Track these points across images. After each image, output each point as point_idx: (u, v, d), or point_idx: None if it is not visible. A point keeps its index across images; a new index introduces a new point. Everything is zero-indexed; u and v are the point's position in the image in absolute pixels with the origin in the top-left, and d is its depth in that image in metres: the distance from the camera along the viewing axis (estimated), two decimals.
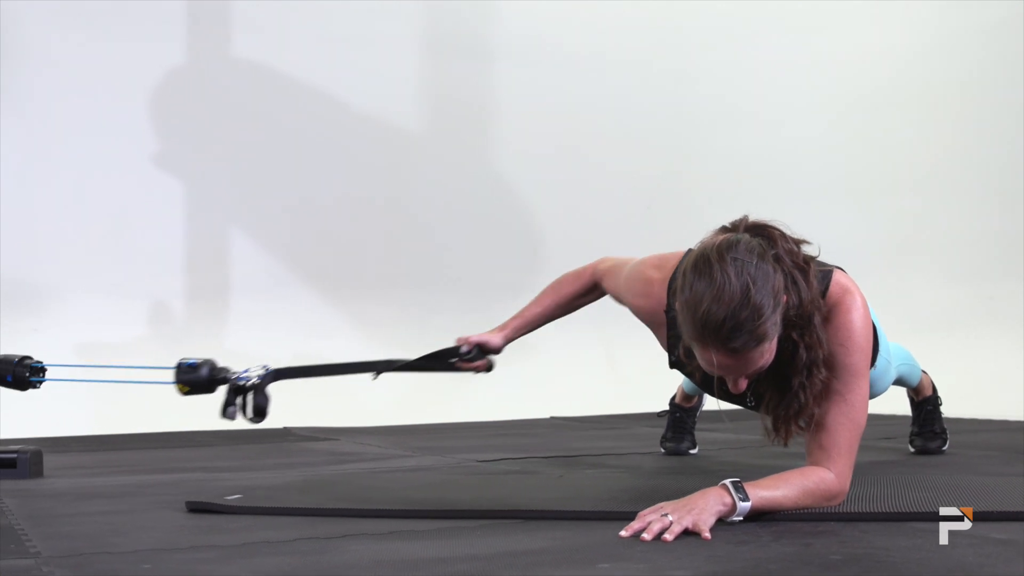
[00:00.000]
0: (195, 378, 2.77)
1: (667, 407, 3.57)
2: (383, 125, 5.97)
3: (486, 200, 6.18)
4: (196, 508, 2.40)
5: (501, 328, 2.77)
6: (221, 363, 2.79)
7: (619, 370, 5.89)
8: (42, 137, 5.32)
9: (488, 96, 6.24)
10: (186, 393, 2.80)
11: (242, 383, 2.73)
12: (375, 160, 5.98)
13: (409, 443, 4.15)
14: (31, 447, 3.23)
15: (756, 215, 2.16)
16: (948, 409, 3.45)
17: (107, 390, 4.82)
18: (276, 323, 5.51)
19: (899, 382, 3.14)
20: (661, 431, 3.58)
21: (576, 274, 2.72)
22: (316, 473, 3.20)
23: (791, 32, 6.63)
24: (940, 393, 3.39)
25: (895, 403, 3.54)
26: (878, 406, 3.11)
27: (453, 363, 2.79)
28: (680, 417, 3.52)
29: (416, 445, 4.06)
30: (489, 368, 2.83)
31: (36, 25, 5.27)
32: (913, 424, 3.41)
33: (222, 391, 2.75)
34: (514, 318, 2.77)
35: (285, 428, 4.85)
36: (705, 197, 6.12)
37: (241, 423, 4.83)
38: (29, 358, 2.95)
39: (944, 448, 3.37)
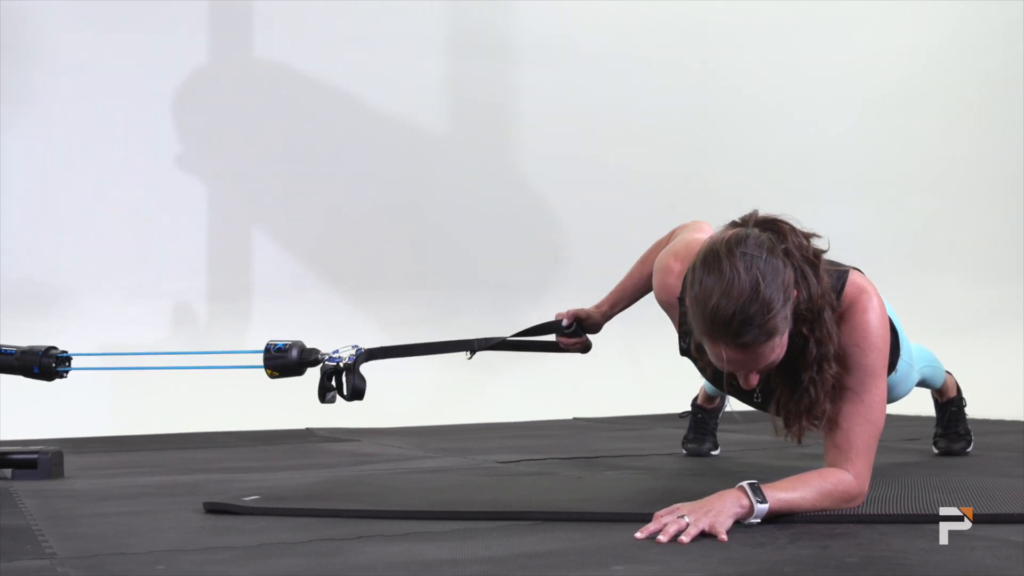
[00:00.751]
0: (285, 362, 2.75)
1: (689, 408, 3.56)
2: (405, 126, 5.97)
3: (508, 201, 6.17)
4: (213, 509, 2.40)
5: (598, 306, 2.77)
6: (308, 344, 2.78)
7: (642, 371, 5.87)
8: (64, 139, 5.35)
9: (510, 96, 6.23)
10: (275, 377, 2.78)
11: (335, 364, 2.71)
12: (397, 161, 5.97)
13: (430, 444, 4.15)
14: (52, 448, 3.24)
15: (767, 209, 2.15)
16: (973, 410, 3.43)
17: (129, 391, 4.85)
18: (299, 324, 5.46)
19: (923, 383, 3.12)
20: (683, 432, 3.57)
21: (659, 243, 2.69)
22: (335, 474, 3.20)
23: (814, 32, 6.61)
24: (965, 394, 3.37)
25: (919, 404, 3.52)
26: (901, 407, 3.09)
27: (554, 342, 2.78)
28: (702, 418, 3.50)
29: (437, 446, 4.06)
30: (586, 349, 2.82)
31: (57, 27, 5.29)
32: (937, 425, 3.39)
33: (312, 374, 2.73)
34: (609, 295, 2.78)
35: (307, 429, 4.86)
36: (729, 196, 6.07)
37: (264, 423, 4.85)
38: (54, 348, 2.99)
39: (968, 450, 3.34)
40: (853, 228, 6.20)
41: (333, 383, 2.73)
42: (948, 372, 3.28)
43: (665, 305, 2.44)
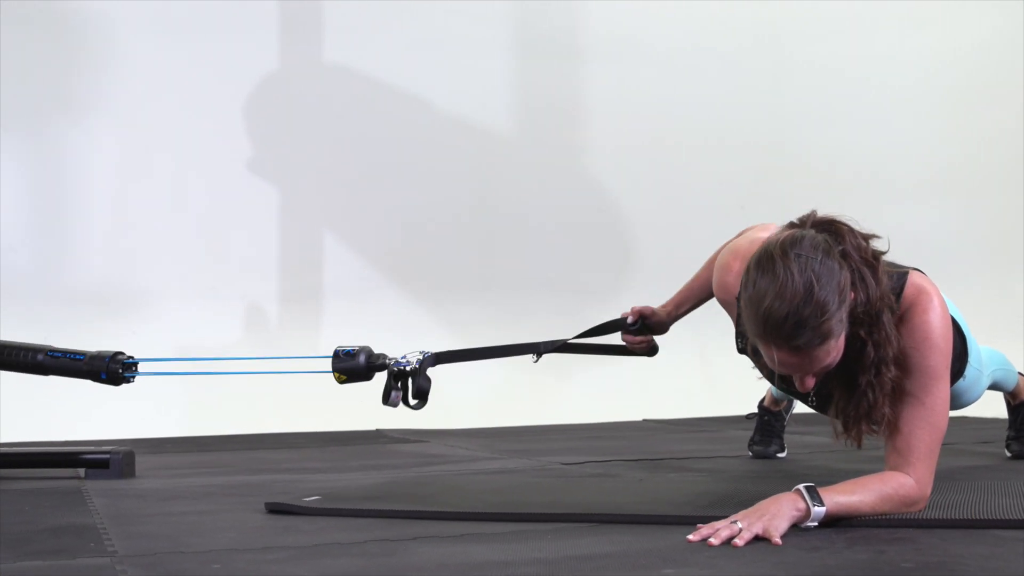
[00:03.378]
0: (353, 366, 2.79)
1: (755, 410, 3.53)
2: (474, 127, 5.99)
3: (578, 201, 6.16)
4: (275, 509, 2.43)
5: (664, 305, 2.79)
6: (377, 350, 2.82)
7: (714, 372, 5.83)
8: (138, 143, 5.43)
9: (579, 97, 6.22)
10: (343, 381, 2.82)
11: (402, 368, 2.74)
12: (467, 162, 5.99)
13: (497, 445, 4.16)
14: (124, 448, 3.30)
15: (837, 210, 2.12)
16: None
17: (203, 393, 4.91)
18: (369, 325, 5.53)
19: (995, 386, 3.06)
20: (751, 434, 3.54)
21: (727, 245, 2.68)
22: (400, 475, 3.22)
23: (887, 28, 6.50)
24: None
25: (992, 407, 3.45)
26: (973, 409, 3.03)
27: (621, 345, 2.78)
28: (768, 420, 3.48)
29: (504, 447, 4.06)
30: (653, 351, 2.82)
31: (130, 32, 5.38)
32: (1009, 428, 3.32)
33: (379, 378, 2.78)
34: (675, 295, 2.79)
35: (377, 430, 4.89)
36: (800, 197, 5.94)
37: (335, 425, 4.88)
38: (121, 354, 3.04)
39: None
40: (929, 227, 6.12)
41: (399, 384, 2.76)
42: (1021, 373, 3.22)
43: (724, 303, 2.45)
